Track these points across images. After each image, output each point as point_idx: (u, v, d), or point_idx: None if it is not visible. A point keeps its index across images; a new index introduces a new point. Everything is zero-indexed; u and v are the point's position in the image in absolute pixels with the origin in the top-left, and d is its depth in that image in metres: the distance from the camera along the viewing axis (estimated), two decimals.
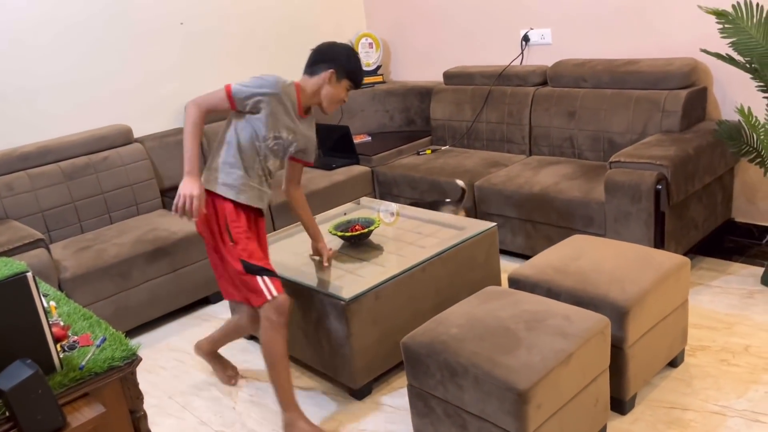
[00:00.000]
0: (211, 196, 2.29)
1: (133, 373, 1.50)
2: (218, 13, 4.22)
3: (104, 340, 1.53)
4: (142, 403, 1.54)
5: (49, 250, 2.98)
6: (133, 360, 1.48)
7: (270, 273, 2.25)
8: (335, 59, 2.32)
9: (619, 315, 2.11)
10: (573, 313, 2.05)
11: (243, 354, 2.98)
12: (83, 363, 1.44)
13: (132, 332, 3.31)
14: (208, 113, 2.25)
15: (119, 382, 1.47)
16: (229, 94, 2.24)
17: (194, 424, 2.52)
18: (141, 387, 1.55)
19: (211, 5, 4.17)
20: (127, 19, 3.81)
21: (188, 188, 2.17)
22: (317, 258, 2.76)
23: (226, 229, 2.27)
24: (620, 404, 2.24)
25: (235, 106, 2.26)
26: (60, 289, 2.96)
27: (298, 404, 2.30)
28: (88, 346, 1.53)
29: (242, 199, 2.31)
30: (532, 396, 1.77)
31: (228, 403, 2.63)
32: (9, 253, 2.83)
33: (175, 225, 3.42)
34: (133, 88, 3.90)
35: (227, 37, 4.29)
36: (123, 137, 3.69)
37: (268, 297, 2.21)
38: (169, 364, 2.99)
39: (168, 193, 3.82)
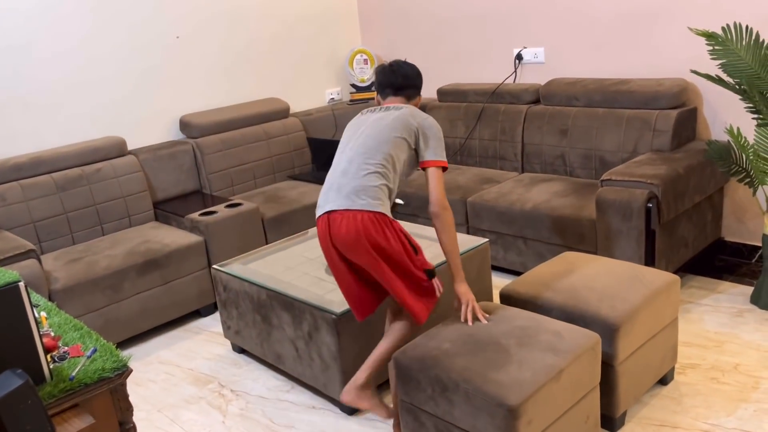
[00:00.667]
0: (380, 217, 2.12)
1: (123, 385, 1.50)
2: (214, 27, 4.25)
3: (95, 351, 1.53)
4: (132, 415, 1.53)
5: (40, 261, 2.96)
6: (124, 371, 1.48)
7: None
8: (421, 86, 2.46)
9: (609, 332, 2.12)
10: (564, 330, 2.06)
11: (233, 368, 2.97)
12: (73, 374, 1.43)
13: (121, 345, 3.29)
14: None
15: (109, 394, 1.46)
16: (444, 166, 2.24)
17: None
18: (130, 399, 1.54)
19: (207, 20, 4.20)
20: (123, 30, 3.83)
21: (470, 293, 2.21)
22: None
23: (408, 243, 2.17)
24: (610, 421, 2.25)
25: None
26: (50, 300, 2.95)
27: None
28: (79, 356, 1.52)
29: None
30: (523, 412, 1.78)
31: (217, 417, 2.61)
32: (0, 263, 2.82)
33: (168, 237, 3.42)
34: (128, 100, 3.91)
35: (223, 51, 4.31)
36: (117, 149, 3.69)
37: (438, 295, 2.23)
38: (158, 377, 2.97)
39: (160, 206, 3.82)
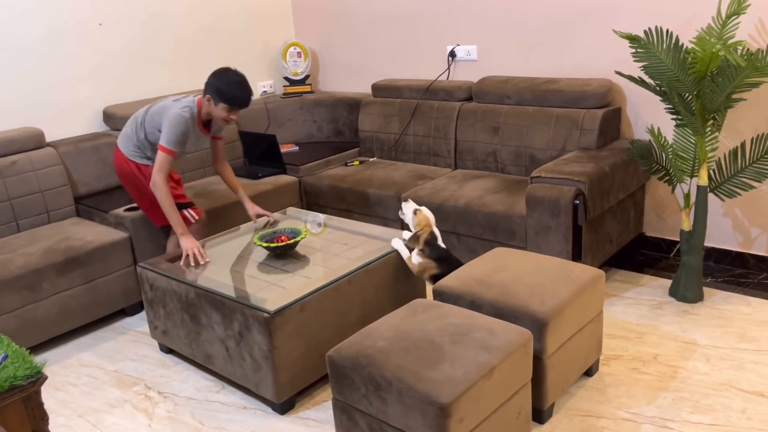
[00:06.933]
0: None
1: (38, 393, 1.41)
2: (140, 16, 4.08)
3: (6, 357, 1.43)
4: (47, 424, 1.45)
5: None
6: (38, 378, 1.39)
7: None
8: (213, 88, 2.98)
9: (538, 326, 2.16)
10: (497, 327, 2.09)
11: (160, 368, 2.87)
12: None
13: (40, 347, 3.12)
14: (168, 175, 2.96)
15: (22, 403, 1.38)
16: (168, 151, 2.94)
17: None
18: (48, 405, 1.46)
19: (133, 7, 4.03)
20: (42, 16, 3.62)
21: (190, 243, 2.90)
22: (263, 221, 3.26)
23: None
24: (539, 413, 2.30)
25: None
26: None
27: None
28: None
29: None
30: (455, 410, 1.79)
31: (143, 421, 2.51)
32: None
33: (90, 234, 3.26)
34: (47, 90, 3.71)
35: (149, 41, 4.15)
36: (34, 141, 3.49)
37: None
38: (80, 380, 2.83)
39: (83, 201, 3.64)
